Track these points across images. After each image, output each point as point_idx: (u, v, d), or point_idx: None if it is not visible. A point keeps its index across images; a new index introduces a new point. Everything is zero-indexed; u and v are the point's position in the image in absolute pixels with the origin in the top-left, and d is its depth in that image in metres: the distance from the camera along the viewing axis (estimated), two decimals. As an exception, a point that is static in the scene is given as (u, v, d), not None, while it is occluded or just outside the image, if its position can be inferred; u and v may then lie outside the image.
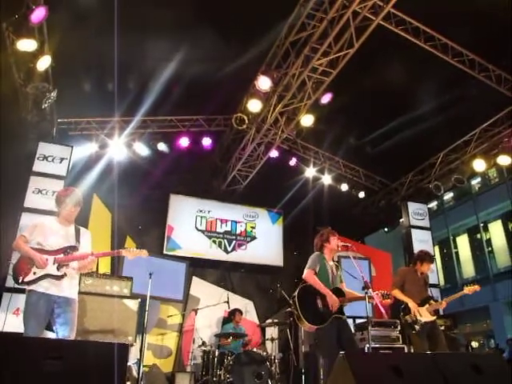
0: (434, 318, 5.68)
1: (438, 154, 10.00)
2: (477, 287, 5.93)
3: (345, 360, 2.88)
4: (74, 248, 4.30)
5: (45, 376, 2.37)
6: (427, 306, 5.69)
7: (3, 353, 2.39)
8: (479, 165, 9.17)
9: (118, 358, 2.53)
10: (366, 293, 4.66)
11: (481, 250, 19.55)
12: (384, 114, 8.67)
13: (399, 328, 7.79)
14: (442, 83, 8.01)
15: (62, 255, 4.20)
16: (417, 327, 5.56)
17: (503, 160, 8.92)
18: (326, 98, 7.96)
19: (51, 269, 4.11)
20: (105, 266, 7.82)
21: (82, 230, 4.56)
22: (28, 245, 4.17)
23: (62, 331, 4.06)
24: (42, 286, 4.06)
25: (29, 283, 4.04)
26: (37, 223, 4.40)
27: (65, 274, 4.17)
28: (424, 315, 5.60)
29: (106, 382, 2.40)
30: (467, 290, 5.91)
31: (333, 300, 4.72)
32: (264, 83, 7.41)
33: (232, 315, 8.56)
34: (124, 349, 2.65)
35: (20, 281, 4.05)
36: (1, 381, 2.30)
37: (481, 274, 19.16)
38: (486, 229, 19.54)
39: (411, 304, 5.62)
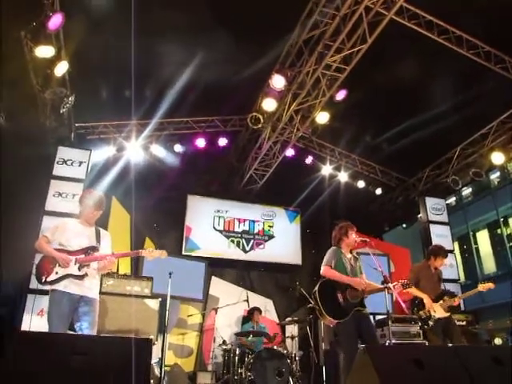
0: (449, 314, 5.63)
1: (455, 148, 9.90)
2: (491, 285, 5.84)
3: (366, 354, 2.89)
4: (94, 248, 4.37)
5: (71, 371, 2.42)
6: (441, 302, 5.67)
7: (31, 350, 2.46)
8: (497, 158, 9.05)
9: (143, 352, 2.58)
10: (386, 287, 4.66)
11: (501, 245, 19.25)
12: (399, 109, 8.60)
13: (419, 324, 7.75)
14: (458, 77, 7.92)
15: (83, 255, 4.28)
16: (430, 323, 5.55)
17: (522, 152, 8.82)
18: (340, 95, 7.94)
19: (73, 269, 4.19)
20: (125, 267, 7.92)
21: (103, 231, 4.64)
22: (50, 245, 4.26)
23: (83, 330, 4.13)
24: (65, 286, 4.13)
25: (51, 283, 4.12)
26: (58, 224, 4.50)
27: (86, 274, 4.25)
28: (438, 311, 5.58)
29: (132, 377, 2.44)
30: (481, 287, 5.84)
31: (357, 282, 4.75)
32: (278, 82, 7.43)
33: (251, 314, 8.60)
34: (148, 344, 2.70)
35: (43, 280, 4.14)
36: (29, 376, 2.36)
37: (502, 269, 18.87)
38: (506, 223, 19.24)
39: (426, 300, 5.61)
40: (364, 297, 4.90)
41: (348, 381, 3.22)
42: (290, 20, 7.15)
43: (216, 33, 6.88)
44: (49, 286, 4.15)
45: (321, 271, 4.98)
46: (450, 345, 5.20)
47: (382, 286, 4.84)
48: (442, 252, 6.02)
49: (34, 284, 6.58)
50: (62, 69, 6.46)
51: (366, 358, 2.88)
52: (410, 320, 7.61)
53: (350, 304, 4.74)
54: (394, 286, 4.71)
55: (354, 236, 5.11)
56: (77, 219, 4.59)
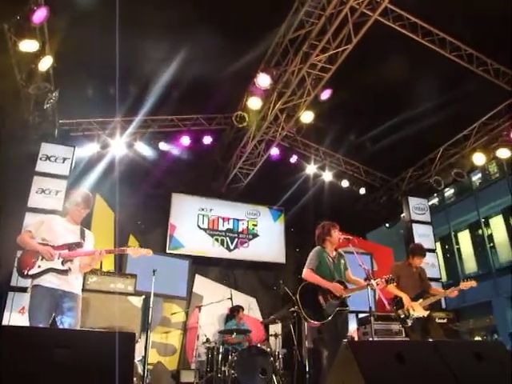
0: (427, 312, 5.66)
1: (437, 148, 10.03)
2: (473, 282, 5.85)
3: (348, 349, 2.92)
4: (78, 244, 4.34)
5: (54, 365, 2.40)
6: (421, 300, 5.71)
7: (13, 344, 2.43)
8: (479, 158, 9.19)
9: (126, 346, 2.57)
10: (368, 283, 4.70)
11: (482, 245, 19.54)
12: (383, 109, 8.70)
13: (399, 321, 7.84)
14: (441, 78, 8.05)
15: (66, 250, 4.24)
16: (409, 321, 5.60)
17: (503, 153, 8.94)
18: (325, 94, 8.01)
19: (56, 263, 4.15)
20: (109, 264, 7.89)
21: (87, 231, 4.61)
22: (33, 240, 4.21)
23: (65, 326, 4.08)
24: (47, 281, 4.09)
25: (33, 276, 4.08)
26: (43, 219, 4.46)
27: (69, 269, 4.21)
28: (417, 310, 5.61)
29: (115, 370, 2.43)
30: (463, 285, 5.85)
31: (336, 288, 4.80)
32: (263, 80, 7.46)
33: (235, 312, 8.60)
34: (131, 338, 2.69)
35: (25, 273, 4.08)
36: (12, 371, 2.34)
37: (483, 269, 19.16)
38: (487, 224, 19.54)
39: (405, 299, 5.64)
40: (346, 297, 4.95)
41: (331, 376, 3.25)
42: (276, 19, 7.17)
43: (201, 30, 6.88)
44: (30, 280, 4.10)
45: (303, 274, 5.03)
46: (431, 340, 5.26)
47: (364, 284, 4.88)
48: (419, 251, 6.07)
49: (14, 281, 6.50)
50: (46, 64, 6.41)
51: (348, 354, 2.91)
52: (392, 318, 7.68)
53: (331, 305, 4.80)
54: (376, 283, 4.75)
55: (336, 234, 5.15)
56: (62, 217, 4.56)
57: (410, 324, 5.59)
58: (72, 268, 4.25)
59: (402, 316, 5.65)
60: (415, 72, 7.84)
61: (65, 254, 4.22)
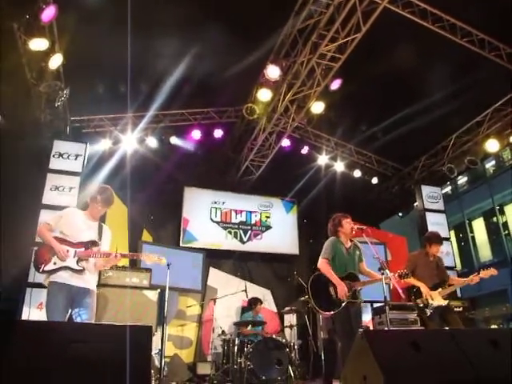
0: (446, 302, 5.60)
1: (450, 136, 9.93)
2: (493, 271, 5.72)
3: (363, 339, 2.93)
4: (95, 243, 4.34)
5: (70, 359, 2.43)
6: (440, 289, 5.63)
7: (29, 339, 2.47)
8: (492, 145, 9.09)
9: (143, 340, 2.60)
10: (383, 273, 4.69)
11: (497, 233, 19.34)
12: (394, 98, 8.61)
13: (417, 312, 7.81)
14: (453, 65, 7.94)
15: (83, 249, 4.26)
16: (428, 311, 5.53)
17: (517, 139, 8.85)
18: (335, 84, 7.96)
19: (71, 262, 4.17)
20: (123, 259, 7.93)
21: (105, 227, 4.62)
22: (52, 233, 4.24)
23: (82, 321, 4.13)
24: (63, 277, 4.12)
25: (49, 272, 4.12)
26: (63, 213, 4.48)
27: (84, 269, 4.23)
28: (436, 299, 5.54)
29: (132, 363, 2.45)
30: (483, 273, 5.69)
31: (341, 290, 4.77)
32: (273, 72, 7.45)
33: (253, 304, 8.61)
34: (148, 330, 2.71)
35: (40, 269, 4.12)
36: (28, 365, 2.37)
37: (498, 257, 18.97)
38: (501, 212, 19.32)
39: (423, 288, 5.57)
40: (357, 289, 4.95)
41: (347, 365, 3.26)
42: (285, 10, 7.13)
43: (210, 24, 6.87)
44: (46, 275, 4.14)
45: (318, 263, 5.03)
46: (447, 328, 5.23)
47: (378, 277, 4.86)
48: (436, 239, 5.97)
49: (32, 277, 6.60)
50: (56, 62, 6.45)
51: (363, 343, 2.92)
52: (407, 307, 7.66)
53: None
54: (389, 278, 4.71)
55: (348, 224, 5.14)
56: (83, 211, 4.58)
57: (428, 313, 5.53)
58: (86, 267, 4.26)
59: (421, 305, 5.58)
60: (426, 59, 7.75)
61: (81, 252, 4.24)
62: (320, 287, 4.88)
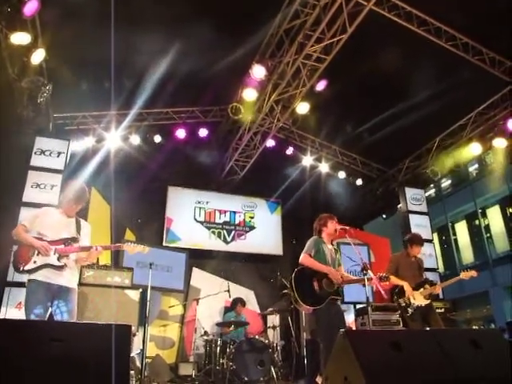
0: (429, 301, 5.66)
1: (434, 139, 10.02)
2: (474, 273, 5.85)
3: (345, 338, 2.92)
4: (74, 239, 4.30)
5: (50, 358, 2.39)
6: (422, 289, 5.68)
7: (8, 337, 2.42)
8: (475, 148, 9.20)
9: (122, 339, 2.56)
10: (365, 274, 4.69)
11: (479, 235, 19.58)
12: (379, 100, 8.66)
13: (399, 311, 7.84)
14: (437, 68, 7.99)
15: (62, 246, 4.20)
16: (410, 310, 5.57)
17: (499, 143, 8.95)
18: (320, 85, 7.98)
19: (52, 259, 4.12)
20: (105, 258, 7.84)
21: (83, 222, 4.56)
22: (28, 234, 4.17)
23: (62, 320, 4.07)
24: (43, 275, 4.07)
25: (29, 272, 4.05)
26: (38, 213, 4.41)
27: (65, 265, 4.18)
28: (418, 299, 5.60)
29: (111, 363, 2.41)
30: (464, 275, 5.84)
31: (334, 274, 4.79)
32: (258, 72, 7.43)
33: (235, 304, 8.59)
34: (127, 330, 2.67)
35: (20, 269, 4.06)
36: (7, 363, 2.33)
37: (480, 259, 19.20)
38: (484, 215, 19.57)
39: (406, 287, 5.61)
40: (340, 286, 4.95)
41: (328, 366, 3.24)
42: (271, 9, 7.12)
43: (196, 22, 6.82)
44: (26, 275, 4.08)
45: (300, 259, 5.01)
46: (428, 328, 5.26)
47: (360, 278, 4.87)
48: (417, 240, 6.04)
49: (10, 276, 6.48)
50: (38, 57, 6.35)
51: (345, 343, 2.91)
52: (390, 308, 7.70)
53: (325, 292, 4.78)
54: (369, 279, 4.72)
55: (333, 225, 5.15)
56: (57, 209, 4.51)
57: (410, 313, 5.57)
58: (68, 263, 4.21)
59: (403, 305, 5.62)
60: (411, 62, 7.80)
61: (61, 249, 4.18)
62: (303, 281, 4.83)
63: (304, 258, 4.96)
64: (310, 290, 4.79)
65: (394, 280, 5.67)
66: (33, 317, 3.91)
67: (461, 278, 5.87)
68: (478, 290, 17.58)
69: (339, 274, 4.85)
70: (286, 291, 6.27)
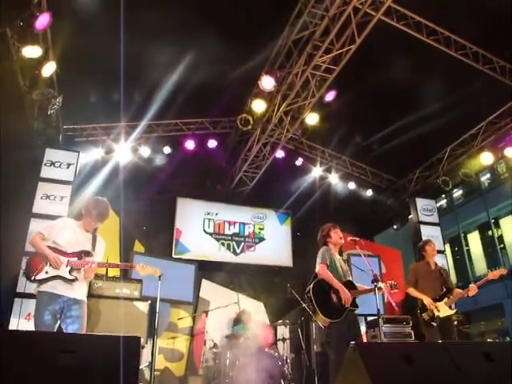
0: (454, 311, 5.53)
1: (444, 148, 9.94)
2: (503, 270, 5.53)
3: (356, 351, 2.86)
4: (88, 253, 4.30)
5: (58, 370, 2.37)
6: (446, 299, 5.52)
7: (18, 348, 2.40)
8: (487, 158, 9.11)
9: (131, 350, 2.53)
10: (376, 285, 4.62)
11: (493, 246, 19.32)
12: (389, 110, 8.63)
13: (411, 324, 7.72)
14: (447, 77, 7.96)
15: (75, 259, 4.21)
16: (434, 324, 5.40)
17: (511, 152, 8.85)
18: (329, 96, 7.97)
19: (64, 271, 4.12)
20: (114, 270, 7.83)
21: (99, 238, 4.57)
22: (44, 243, 4.18)
23: (71, 332, 4.05)
24: (52, 287, 4.07)
25: (40, 281, 4.06)
26: (56, 223, 4.44)
27: (76, 279, 4.17)
28: (442, 310, 5.44)
29: (119, 374, 2.38)
30: (492, 274, 5.52)
31: (346, 295, 4.69)
32: (267, 83, 7.44)
33: (242, 316, 8.51)
34: (136, 341, 2.64)
35: (32, 278, 4.07)
36: (16, 375, 2.31)
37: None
38: (497, 225, 19.33)
39: (426, 301, 5.47)
40: (355, 296, 4.88)
41: (338, 379, 3.18)
42: (280, 21, 7.16)
43: (205, 34, 6.86)
44: (37, 285, 4.08)
45: (316, 269, 4.92)
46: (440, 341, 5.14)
47: (372, 288, 4.79)
48: (427, 241, 6.00)
49: (21, 288, 6.49)
50: (49, 69, 6.42)
51: (355, 356, 2.85)
52: (401, 320, 7.60)
53: (343, 304, 4.70)
54: (379, 287, 4.65)
55: (337, 234, 5.09)
56: (76, 221, 4.51)
57: (435, 326, 5.39)
58: (79, 277, 4.21)
59: (427, 319, 5.46)
60: (420, 72, 7.77)
61: (74, 262, 4.18)
62: (322, 293, 4.77)
63: (321, 269, 4.86)
64: (329, 302, 4.73)
65: (414, 293, 5.56)
66: (42, 328, 3.90)
67: (489, 278, 5.55)
68: (493, 302, 17.30)
69: (348, 295, 4.72)
70: (305, 305, 6.18)
